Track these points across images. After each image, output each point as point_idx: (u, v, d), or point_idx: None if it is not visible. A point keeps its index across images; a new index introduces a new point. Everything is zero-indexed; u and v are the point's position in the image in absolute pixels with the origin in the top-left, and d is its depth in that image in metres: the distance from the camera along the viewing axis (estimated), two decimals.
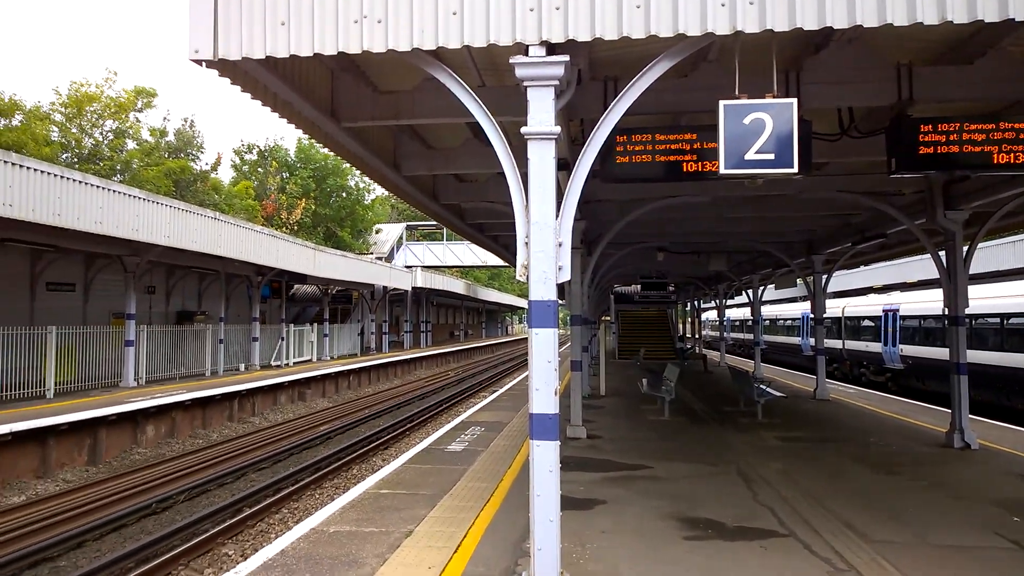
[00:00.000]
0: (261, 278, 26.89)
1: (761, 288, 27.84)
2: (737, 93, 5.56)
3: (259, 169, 47.71)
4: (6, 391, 15.92)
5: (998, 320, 17.90)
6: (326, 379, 26.59)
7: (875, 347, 25.37)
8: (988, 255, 27.27)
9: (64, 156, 32.02)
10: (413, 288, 44.19)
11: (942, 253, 11.64)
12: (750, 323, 30.39)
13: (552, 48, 5.09)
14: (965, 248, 11.49)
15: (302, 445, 16.23)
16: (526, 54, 5.10)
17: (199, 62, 5.29)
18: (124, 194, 16.52)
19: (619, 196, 12.24)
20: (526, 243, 5.24)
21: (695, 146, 6.72)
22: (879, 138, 7.39)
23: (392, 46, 5.11)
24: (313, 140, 9.02)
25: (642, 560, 5.99)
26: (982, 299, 18.23)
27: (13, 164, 12.91)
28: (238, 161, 49.14)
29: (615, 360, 34.12)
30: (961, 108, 7.81)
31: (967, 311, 11.59)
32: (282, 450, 15.42)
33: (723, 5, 4.78)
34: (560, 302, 7.90)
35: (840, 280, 38.81)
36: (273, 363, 28.38)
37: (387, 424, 19.28)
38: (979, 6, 4.49)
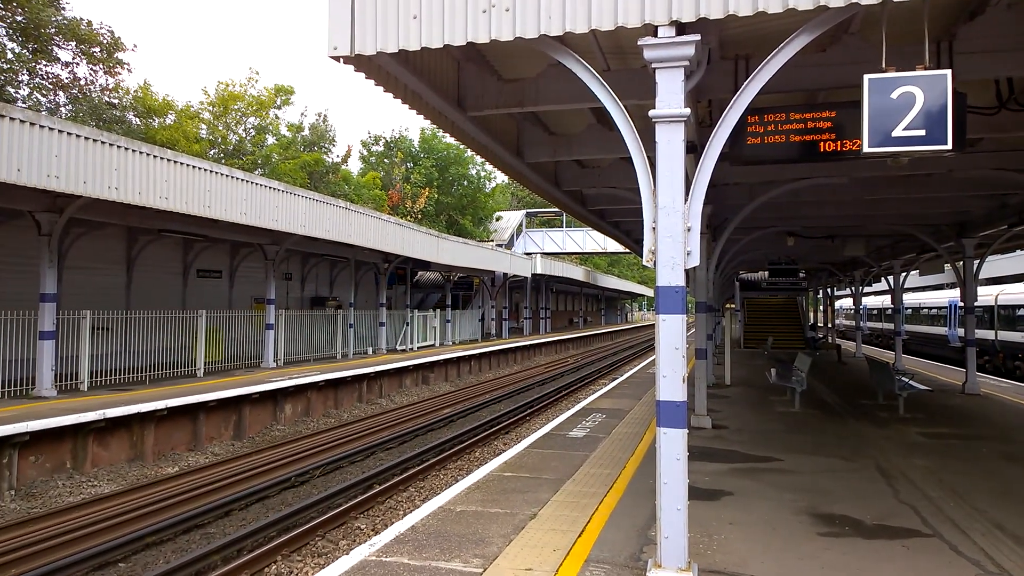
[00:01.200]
0: (387, 265, 28.05)
1: (903, 274, 25.97)
2: (884, 66, 5.22)
3: (385, 160, 49.62)
4: (164, 369, 17.52)
5: None
6: (448, 364, 27.41)
7: None
8: None
9: (212, 152, 34.73)
10: (532, 275, 44.59)
11: None
12: (889, 311, 28.50)
13: (682, 28, 4.99)
14: None
15: (426, 427, 16.85)
16: (655, 35, 5.03)
17: (337, 59, 5.60)
18: (265, 186, 17.69)
19: (748, 179, 11.81)
20: (653, 228, 5.18)
21: (834, 124, 6.38)
22: None
23: (519, 34, 5.18)
24: (437, 129, 9.31)
25: (773, 553, 5.82)
26: None
27: (169, 160, 14.12)
28: (366, 153, 51.32)
29: (740, 349, 33.03)
30: None
31: None
32: (408, 431, 16.07)
33: None
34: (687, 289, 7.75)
35: (993, 266, 35.62)
36: (399, 347, 29.59)
37: (508, 409, 19.64)
38: None
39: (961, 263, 17.71)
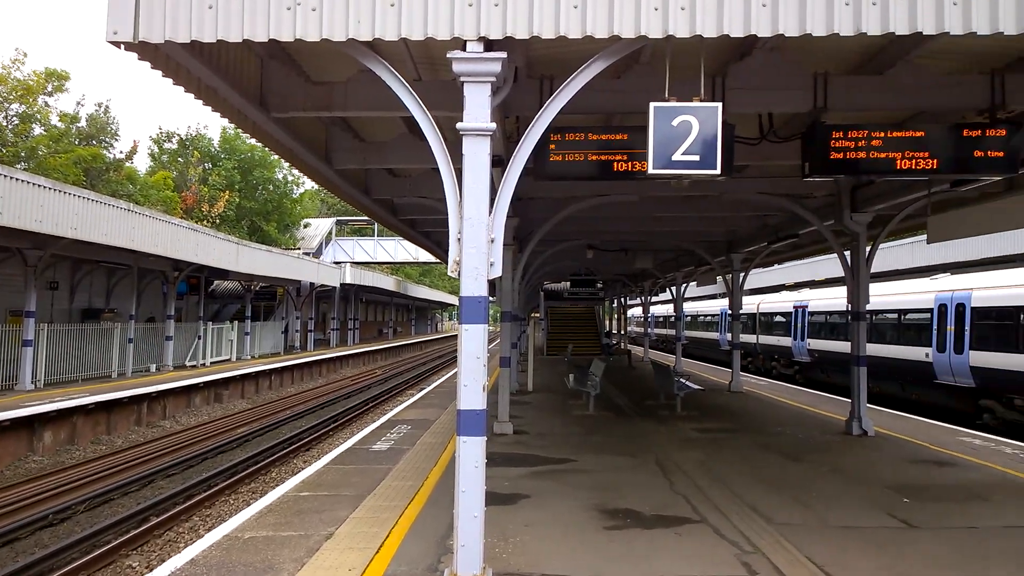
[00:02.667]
0: (178, 273, 25.86)
1: (684, 285, 28.69)
2: (667, 96, 5.74)
3: (179, 159, 45.77)
4: None
5: (896, 316, 19.01)
6: (245, 379, 25.83)
7: (786, 341, 26.56)
8: (888, 255, 29.02)
9: None
10: (341, 284, 43.45)
11: (847, 253, 12.37)
12: (673, 319, 31.29)
13: (490, 44, 5.13)
14: (868, 248, 12.24)
15: (217, 449, 15.73)
16: (464, 49, 5.12)
17: (117, 44, 5.08)
18: (27, 182, 15.57)
19: (552, 194, 12.43)
20: (459, 239, 5.26)
21: (626, 146, 6.92)
22: (795, 143, 7.78)
23: (327, 35, 5.04)
24: (239, 130, 8.77)
25: (565, 550, 6.12)
26: (882, 296, 19.35)
27: None
28: (157, 150, 47.01)
29: (544, 356, 34.52)
30: (871, 116, 8.28)
31: (868, 307, 12.39)
32: (195, 455, 14.90)
33: (656, 9, 4.93)
34: (491, 299, 7.96)
35: (757, 278, 40.46)
36: (188, 363, 27.32)
37: (310, 425, 18.93)
38: (891, 19, 4.78)
39: (730, 275, 19.94)
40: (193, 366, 27.20)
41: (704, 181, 7.23)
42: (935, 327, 16.96)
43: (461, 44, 5.13)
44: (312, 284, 39.45)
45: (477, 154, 5.27)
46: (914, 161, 6.89)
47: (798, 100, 7.26)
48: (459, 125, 5.24)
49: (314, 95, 7.72)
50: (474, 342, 5.20)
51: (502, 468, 9.32)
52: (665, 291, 34.88)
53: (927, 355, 17.14)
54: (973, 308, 15.62)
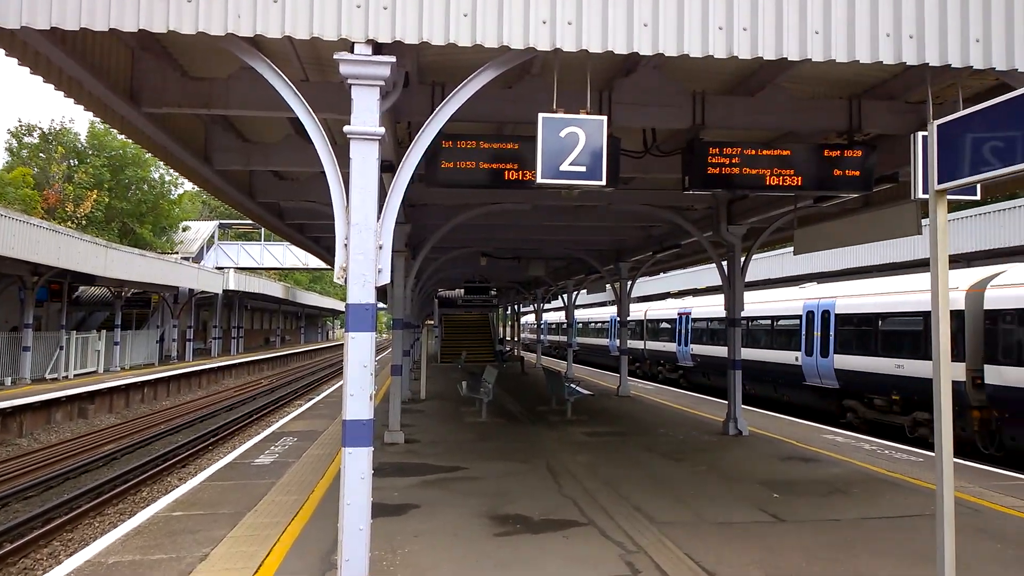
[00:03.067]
0: (37, 278, 23.84)
1: (575, 292, 29.35)
2: (555, 107, 5.86)
3: (41, 155, 42.26)
4: None
5: (769, 322, 20.23)
6: (114, 392, 24.10)
7: (671, 347, 27.63)
8: (761, 265, 30.92)
9: None
10: (224, 291, 41.43)
11: (724, 263, 13.07)
12: (565, 326, 31.94)
13: (379, 47, 5.06)
14: (742, 259, 12.99)
15: (82, 468, 14.57)
16: (351, 51, 5.03)
17: None
18: None
19: (445, 201, 12.41)
20: (345, 245, 5.15)
21: (516, 155, 7.02)
22: (677, 157, 8.15)
23: (204, 28, 4.81)
24: (108, 125, 8.21)
25: (454, 559, 6.09)
26: (757, 304, 20.55)
27: None
28: (16, 144, 43.22)
29: (438, 364, 34.33)
30: (745, 135, 8.80)
31: (744, 314, 13.15)
32: (57, 474, 13.73)
33: (544, 22, 5.03)
34: (382, 306, 7.83)
35: (645, 286, 41.95)
36: (49, 376, 25.20)
37: (186, 440, 17.89)
38: (760, 45, 5.10)
39: (618, 283, 20.59)
40: (54, 379, 25.12)
41: (592, 192, 7.43)
42: (804, 333, 17.97)
43: (349, 46, 5.04)
44: (191, 290, 37.45)
45: (365, 158, 5.18)
46: (782, 178, 7.39)
47: (678, 117, 7.60)
48: (346, 128, 5.14)
49: (192, 91, 7.34)
50: (361, 350, 5.10)
51: (392, 478, 9.18)
52: (557, 298, 35.59)
53: (797, 359, 18.22)
54: (837, 315, 16.75)
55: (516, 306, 45.20)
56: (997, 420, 12.20)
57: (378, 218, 5.21)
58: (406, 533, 6.81)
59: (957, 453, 11.24)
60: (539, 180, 5.75)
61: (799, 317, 18.30)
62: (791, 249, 13.02)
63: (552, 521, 7.25)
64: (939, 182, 4.18)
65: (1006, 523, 7.18)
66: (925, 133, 4.21)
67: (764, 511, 7.68)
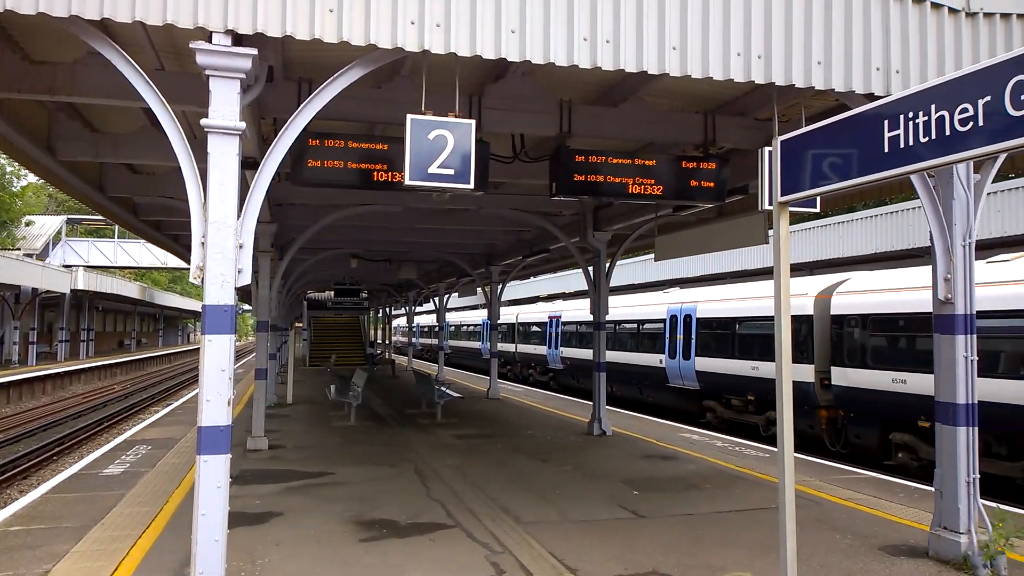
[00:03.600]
0: None
1: (447, 296, 29.33)
2: (424, 109, 5.83)
3: None
4: None
5: (636, 326, 21.09)
6: None
7: (541, 350, 28.07)
8: (628, 271, 32.31)
9: None
10: (72, 290, 38.05)
11: (591, 268, 13.52)
12: (438, 329, 31.80)
13: (239, 38, 4.83)
14: (607, 264, 13.49)
15: None
16: (210, 41, 4.76)
17: None
18: None
19: (314, 200, 12.03)
20: (203, 243, 4.88)
21: (386, 156, 6.93)
22: (545, 163, 8.34)
23: (45, 9, 4.41)
24: None
25: (315, 568, 5.90)
26: (624, 308, 21.32)
27: None
28: None
29: (306, 367, 33.23)
30: (610, 144, 9.14)
31: (612, 318, 13.63)
32: None
33: (412, 23, 4.99)
34: (247, 307, 7.46)
35: (518, 289, 42.63)
36: None
37: (28, 450, 16.28)
38: (622, 57, 5.31)
39: (489, 287, 20.79)
40: None
41: (463, 195, 7.46)
42: (668, 336, 18.55)
43: (207, 35, 4.78)
44: (35, 290, 34.16)
45: (224, 154, 4.93)
46: (644, 187, 7.74)
47: (546, 124, 7.78)
48: (203, 122, 4.87)
49: (34, 75, 6.67)
50: (219, 354, 4.84)
51: (254, 486, 8.78)
52: (430, 301, 35.43)
53: (661, 361, 18.69)
54: (698, 319, 17.31)
55: (388, 309, 44.58)
56: (842, 419, 12.84)
57: (238, 216, 4.96)
58: (267, 542, 6.52)
59: (807, 450, 12.42)
60: (407, 182, 5.69)
61: (663, 321, 18.87)
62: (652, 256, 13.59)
63: (419, 525, 7.19)
64: (782, 194, 4.50)
65: (842, 514, 7.86)
66: (771, 148, 4.52)
67: (625, 508, 7.99)
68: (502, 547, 6.47)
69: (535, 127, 7.94)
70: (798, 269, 22.07)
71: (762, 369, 14.66)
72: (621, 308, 21.09)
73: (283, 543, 6.53)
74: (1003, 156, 6.04)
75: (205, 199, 4.88)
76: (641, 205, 11.26)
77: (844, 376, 12.45)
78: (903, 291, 11.70)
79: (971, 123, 3.26)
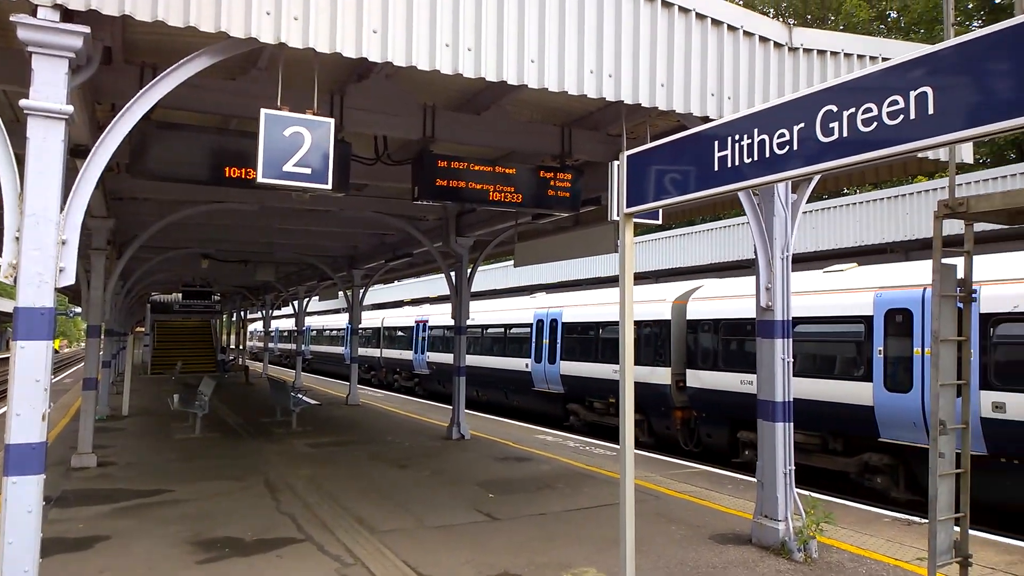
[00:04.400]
0: None
1: (307, 299, 28.37)
2: (279, 104, 5.62)
3: None
4: None
5: (502, 330, 20.74)
6: None
7: (407, 355, 27.54)
8: (496, 275, 32.78)
9: None
10: None
11: (453, 272, 13.58)
12: (297, 333, 30.59)
13: (69, 14, 4.43)
14: (469, 269, 13.61)
15: None
16: (34, 14, 4.34)
17: None
18: None
19: (159, 195, 11.21)
20: (17, 238, 4.41)
21: (239, 151, 6.61)
22: (409, 167, 8.29)
23: None
24: None
25: None
26: (491, 312, 21.22)
27: None
28: None
29: (148, 375, 30.92)
30: (473, 151, 9.22)
31: (479, 322, 13.68)
32: None
33: (268, 14, 4.80)
34: (77, 310, 6.84)
35: (384, 292, 41.97)
36: None
37: None
38: (483, 66, 5.39)
39: (351, 290, 20.35)
40: None
41: (325, 196, 7.26)
42: (534, 340, 18.42)
43: (31, 8, 4.35)
44: None
45: (47, 139, 4.49)
46: (504, 194, 7.88)
47: (409, 127, 7.74)
48: (23, 103, 4.42)
49: None
50: (33, 362, 4.37)
51: (77, 508, 8.05)
52: (289, 304, 34.09)
53: (527, 365, 18.55)
54: (564, 323, 17.31)
55: (243, 312, 42.45)
56: (696, 419, 13.16)
57: (62, 209, 4.54)
58: (90, 570, 6.00)
59: (665, 451, 13.01)
60: (260, 179, 5.46)
61: (530, 326, 18.83)
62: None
63: (266, 541, 6.88)
64: (628, 206, 4.74)
65: (679, 507, 8.37)
66: (619, 162, 4.74)
67: (480, 511, 8.07)
68: (354, 559, 6.33)
69: (398, 130, 7.87)
70: (645, 277, 23.36)
71: None
72: (488, 313, 21.15)
73: (108, 571, 6.02)
74: (817, 177, 6.71)
75: (22, 189, 4.43)
76: (502, 212, 11.46)
77: (697, 378, 12.85)
78: (750, 297, 12.32)
79: (788, 147, 3.58)
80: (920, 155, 6.96)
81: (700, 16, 6.02)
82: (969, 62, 2.87)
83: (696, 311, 13.21)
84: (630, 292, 4.81)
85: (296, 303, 29.04)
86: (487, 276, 32.89)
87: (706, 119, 5.86)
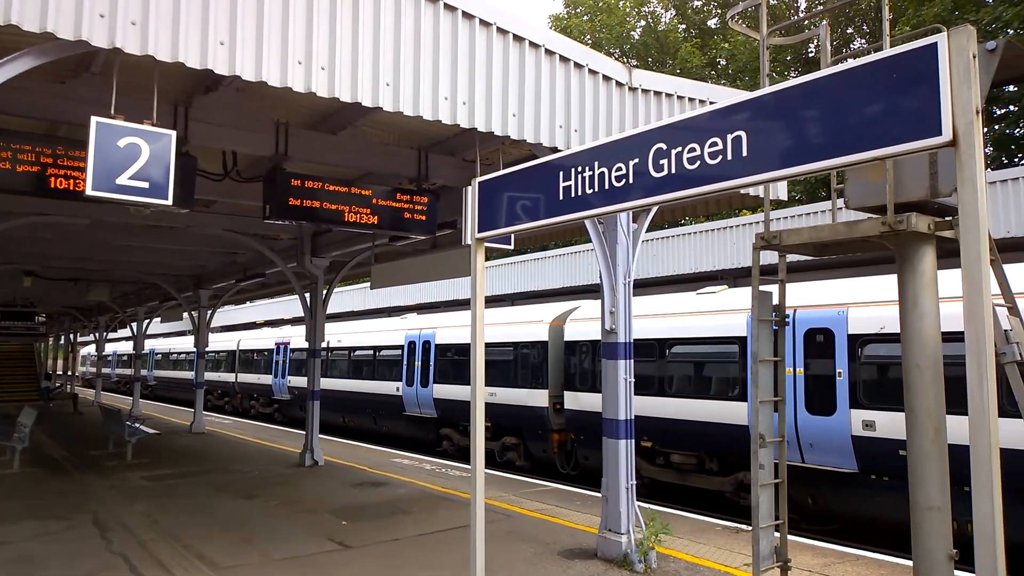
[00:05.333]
0: None
1: (147, 321, 26.44)
2: (113, 113, 5.28)
3: None
4: None
5: (371, 353, 19.51)
6: None
7: (267, 379, 25.40)
8: (344, 298, 32.05)
9: None
10: None
11: (308, 294, 13.22)
12: (135, 357, 28.15)
13: None
14: (324, 291, 13.30)
15: None
16: None
17: None
18: None
19: None
20: None
21: (68, 160, 6.14)
22: (260, 185, 8.02)
23: None
24: None
25: None
26: (356, 334, 20.40)
27: None
28: None
29: None
30: (329, 171, 9.06)
31: (346, 344, 13.23)
32: None
33: (102, 16, 4.54)
34: None
35: (240, 313, 39.80)
36: None
37: None
38: (337, 86, 5.35)
39: (197, 312, 19.22)
40: None
41: (170, 212, 6.86)
42: (405, 363, 17.58)
43: None
44: None
45: None
46: (360, 216, 7.82)
47: (261, 144, 7.52)
48: None
49: None
50: None
51: None
52: (126, 327, 31.59)
53: (398, 389, 17.70)
54: (437, 345, 16.58)
55: (73, 335, 38.82)
56: (573, 442, 12.90)
57: None
58: None
59: (542, 474, 13.03)
60: (89, 191, 5.08)
61: (401, 348, 18.06)
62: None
63: None
64: (479, 231, 4.86)
65: (530, 525, 8.54)
66: (472, 188, 4.85)
67: (332, 540, 7.83)
68: None
69: (249, 145, 7.63)
70: (500, 300, 23.77)
71: (500, 395, 14.37)
72: (357, 334, 20.29)
73: None
74: (654, 209, 7.21)
75: None
76: (359, 233, 11.30)
77: (576, 400, 12.61)
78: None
79: (624, 180, 3.84)
80: (742, 191, 7.65)
81: (549, 52, 6.33)
82: (782, 109, 3.18)
83: (574, 332, 13.00)
84: (481, 315, 4.92)
85: (135, 325, 26.92)
86: (356, 295, 32.19)
87: (555, 149, 6.14)
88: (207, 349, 20.76)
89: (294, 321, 32.06)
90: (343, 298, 32.14)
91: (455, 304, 25.79)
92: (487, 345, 15.41)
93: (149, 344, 38.90)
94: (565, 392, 12.95)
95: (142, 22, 4.67)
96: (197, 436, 17.83)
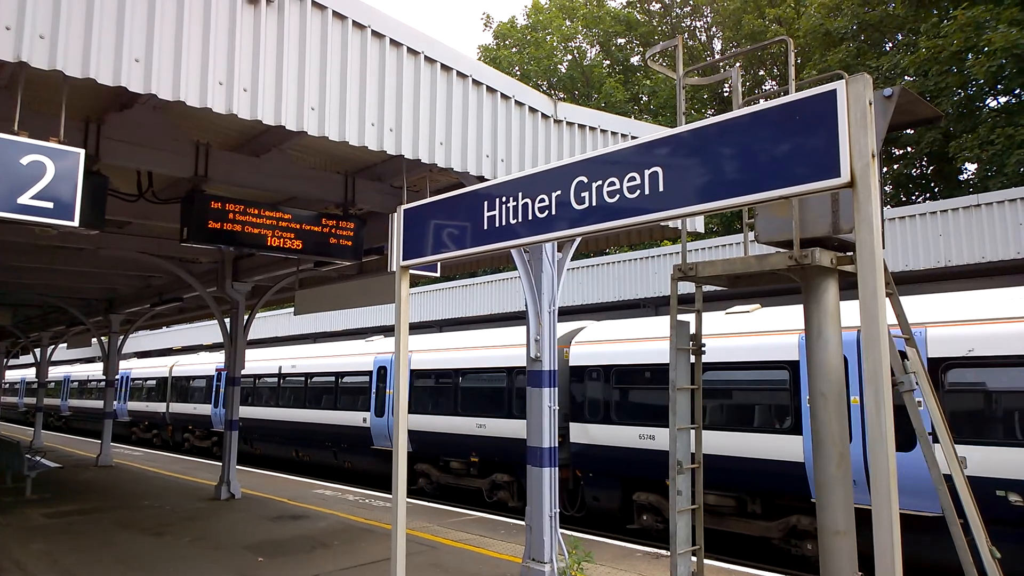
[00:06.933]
0: None
1: (52, 347, 24.99)
2: (17, 129, 5.02)
3: None
4: None
5: (332, 379, 17.35)
6: None
7: (205, 409, 22.71)
8: (269, 324, 31.19)
9: None
10: None
11: (228, 320, 12.78)
12: (37, 386, 26.30)
13: None
14: (247, 316, 12.90)
15: None
16: None
17: None
18: None
19: None
20: None
21: None
22: (178, 206, 7.75)
23: None
24: None
25: None
26: (313, 359, 18.44)
27: None
28: None
29: None
30: (252, 194, 8.83)
31: (302, 369, 12.61)
32: None
33: (8, 29, 4.32)
34: None
35: (171, 336, 37.96)
36: None
37: None
38: (259, 109, 5.24)
39: (107, 337, 18.30)
40: None
41: (79, 233, 6.54)
42: (374, 391, 15.58)
43: None
44: None
45: None
46: (283, 240, 7.65)
47: (179, 165, 7.28)
48: None
49: None
50: None
51: None
52: (29, 353, 29.67)
53: (365, 420, 15.73)
54: (413, 371, 14.61)
55: None
56: (579, 480, 11.35)
57: None
58: None
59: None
60: None
61: (369, 373, 15.94)
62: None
63: None
64: (404, 259, 4.82)
65: (454, 556, 8.41)
66: (397, 215, 4.82)
67: None
68: None
69: (166, 166, 7.36)
70: (428, 326, 23.63)
71: (490, 427, 12.81)
72: (315, 359, 18.18)
73: None
74: (578, 239, 7.33)
75: None
76: (284, 258, 11.04)
77: (585, 433, 11.13)
78: (649, 340, 10.67)
79: (547, 211, 3.89)
80: (662, 224, 7.87)
81: (477, 82, 6.40)
82: (697, 146, 3.28)
83: (581, 356, 11.50)
84: (405, 344, 4.86)
85: (39, 351, 25.40)
86: (282, 320, 31.32)
87: (482, 178, 6.18)
88: (135, 376, 19.57)
89: (196, 348, 30.78)
90: (274, 322, 31.26)
91: (389, 330, 25.29)
92: (476, 370, 14.16)
93: (64, 371, 36.66)
94: (571, 424, 11.32)
95: (51, 36, 4.47)
96: (104, 469, 16.86)
